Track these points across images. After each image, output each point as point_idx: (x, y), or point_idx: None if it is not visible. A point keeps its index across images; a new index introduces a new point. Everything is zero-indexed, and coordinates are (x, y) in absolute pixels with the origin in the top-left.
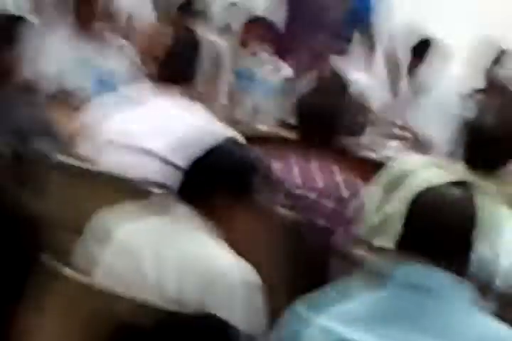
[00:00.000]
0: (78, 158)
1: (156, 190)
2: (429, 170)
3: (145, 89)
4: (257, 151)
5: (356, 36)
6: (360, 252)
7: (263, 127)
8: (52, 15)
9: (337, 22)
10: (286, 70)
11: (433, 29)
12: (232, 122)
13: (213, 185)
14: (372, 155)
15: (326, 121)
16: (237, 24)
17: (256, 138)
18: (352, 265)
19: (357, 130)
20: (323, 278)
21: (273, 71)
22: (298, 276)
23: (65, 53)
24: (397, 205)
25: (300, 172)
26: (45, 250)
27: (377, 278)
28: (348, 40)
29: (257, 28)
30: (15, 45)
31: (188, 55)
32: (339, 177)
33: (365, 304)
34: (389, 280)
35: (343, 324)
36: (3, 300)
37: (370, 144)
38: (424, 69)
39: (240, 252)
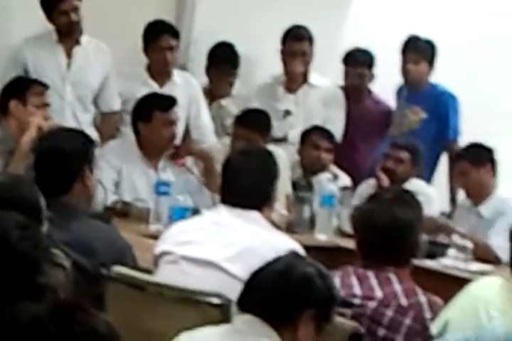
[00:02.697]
0: (137, 269)
1: (215, 301)
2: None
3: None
4: (318, 263)
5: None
6: None
7: (322, 236)
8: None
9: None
10: (344, 179)
11: None
12: (292, 232)
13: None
14: (432, 264)
15: (387, 236)
16: (293, 134)
17: (315, 248)
18: None
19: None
20: None
21: (331, 179)
22: None
23: (123, 165)
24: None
25: (358, 282)
26: None
27: None
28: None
29: (314, 138)
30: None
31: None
32: (397, 285)
33: None
34: None
35: None
36: None
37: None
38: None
39: None
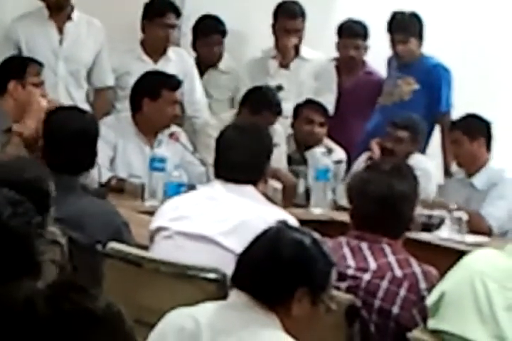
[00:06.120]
0: (133, 245)
1: (211, 276)
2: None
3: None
4: (314, 234)
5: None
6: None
7: (317, 210)
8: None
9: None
10: (339, 152)
11: None
12: (286, 206)
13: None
14: (428, 237)
15: (382, 205)
16: (286, 108)
17: (310, 222)
18: None
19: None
20: None
21: (325, 153)
22: None
23: (118, 141)
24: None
25: (352, 254)
26: None
27: None
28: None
29: (307, 112)
30: None
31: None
32: (391, 256)
33: None
34: None
35: None
36: None
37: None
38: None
39: (297, 338)
